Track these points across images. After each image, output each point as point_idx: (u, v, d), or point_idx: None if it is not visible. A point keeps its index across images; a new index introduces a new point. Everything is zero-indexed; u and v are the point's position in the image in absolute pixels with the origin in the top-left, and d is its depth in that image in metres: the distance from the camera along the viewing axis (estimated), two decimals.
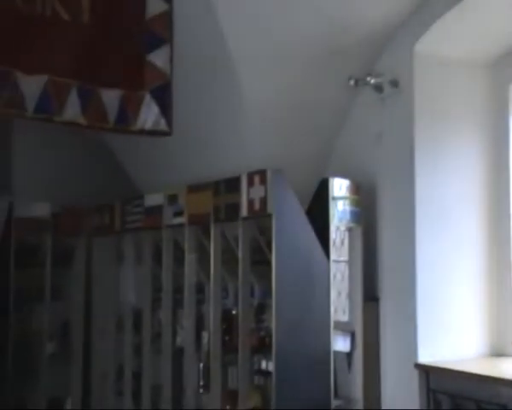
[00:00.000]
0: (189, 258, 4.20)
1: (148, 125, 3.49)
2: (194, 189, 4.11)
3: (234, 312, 3.96)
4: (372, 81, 3.87)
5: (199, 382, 4.22)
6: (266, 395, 3.70)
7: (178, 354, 4.41)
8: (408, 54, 3.67)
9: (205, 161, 4.42)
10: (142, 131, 3.51)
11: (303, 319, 3.45)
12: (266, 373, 3.66)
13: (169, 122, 3.54)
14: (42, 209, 5.14)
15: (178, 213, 4.26)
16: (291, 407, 3.36)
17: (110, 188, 5.27)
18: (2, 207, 5.07)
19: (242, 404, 3.69)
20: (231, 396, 3.89)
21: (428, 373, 3.48)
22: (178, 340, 4.47)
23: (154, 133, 3.56)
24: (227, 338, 4.00)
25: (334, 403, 3.57)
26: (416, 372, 3.50)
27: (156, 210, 4.47)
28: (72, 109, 3.23)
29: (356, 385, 3.69)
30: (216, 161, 4.30)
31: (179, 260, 4.37)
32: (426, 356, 3.50)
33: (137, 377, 4.79)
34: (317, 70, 3.92)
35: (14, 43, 3.04)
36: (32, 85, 3.07)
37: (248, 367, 3.73)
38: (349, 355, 3.77)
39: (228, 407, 3.90)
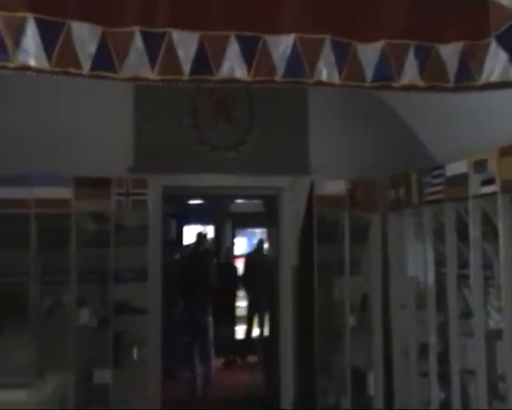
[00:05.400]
0: (505, 231, 3.55)
1: (494, 78, 2.94)
2: (509, 151, 3.44)
3: None
4: None
5: None
6: None
7: (492, 337, 3.82)
8: None
9: None
10: (487, 86, 2.97)
11: None
12: None
13: None
14: (338, 186, 5.10)
15: (488, 181, 3.64)
16: None
17: (404, 159, 4.93)
18: (305, 185, 5.16)
19: None
20: None
21: None
22: (491, 322, 3.87)
23: (500, 86, 2.98)
24: None
25: None
26: None
27: (460, 179, 3.96)
28: (410, 72, 2.91)
29: None
30: None
31: (488, 233, 3.76)
32: None
33: (443, 358, 4.33)
34: None
35: (352, 14, 2.87)
36: (369, 54, 2.87)
37: None
38: None
39: None
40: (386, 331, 5.10)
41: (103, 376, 4.70)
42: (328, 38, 2.80)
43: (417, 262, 4.82)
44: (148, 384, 4.84)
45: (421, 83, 2.91)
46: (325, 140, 5.41)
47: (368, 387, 5.15)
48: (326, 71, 2.81)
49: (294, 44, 2.75)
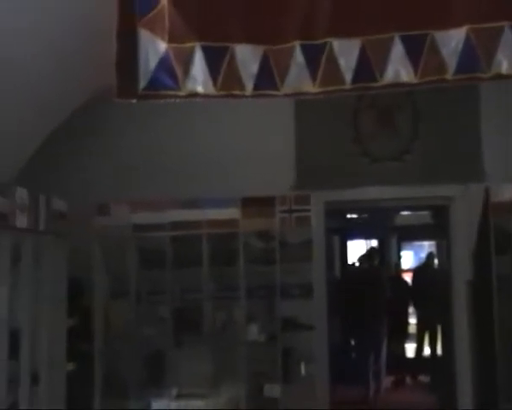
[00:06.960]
0: None
1: None
2: None
3: None
4: None
5: None
6: None
7: None
8: None
9: None
10: None
11: None
12: None
13: None
14: None
15: None
16: None
17: None
18: (478, 193, 4.70)
19: None
20: None
21: None
22: None
23: None
24: None
25: None
26: None
27: None
28: None
29: None
30: None
31: None
32: None
33: None
34: None
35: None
36: None
37: None
38: None
39: None
40: None
41: (273, 390, 4.75)
42: (507, 24, 2.49)
43: None
44: (317, 400, 4.77)
45: None
46: (501, 140, 4.89)
47: None
48: (506, 62, 2.50)
49: (467, 37, 2.49)
